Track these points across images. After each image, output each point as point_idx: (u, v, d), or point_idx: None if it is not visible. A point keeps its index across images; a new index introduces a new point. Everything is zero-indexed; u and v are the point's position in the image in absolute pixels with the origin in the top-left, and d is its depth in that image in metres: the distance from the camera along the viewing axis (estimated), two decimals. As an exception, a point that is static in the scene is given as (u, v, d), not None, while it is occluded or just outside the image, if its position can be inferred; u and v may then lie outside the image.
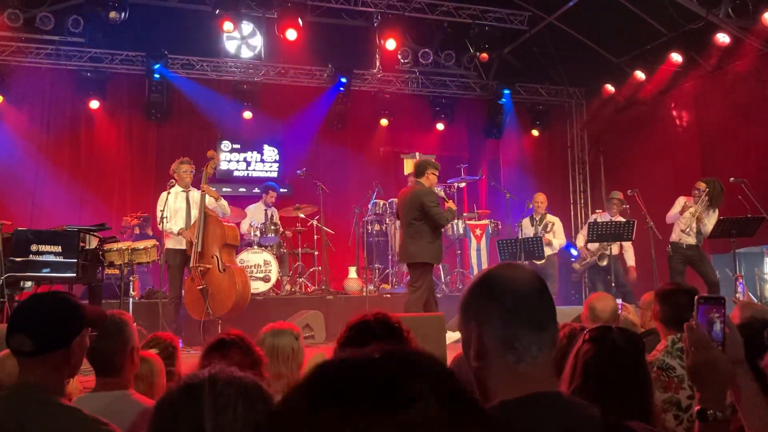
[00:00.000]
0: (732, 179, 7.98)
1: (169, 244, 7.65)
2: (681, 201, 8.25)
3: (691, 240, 8.06)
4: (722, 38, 9.33)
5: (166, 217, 7.52)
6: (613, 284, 8.43)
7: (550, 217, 9.40)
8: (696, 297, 1.58)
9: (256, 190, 10.58)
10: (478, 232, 10.27)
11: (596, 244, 8.88)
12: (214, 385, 1.05)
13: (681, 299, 2.96)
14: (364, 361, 0.73)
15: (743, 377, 1.53)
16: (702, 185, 8.10)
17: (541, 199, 9.42)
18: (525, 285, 1.38)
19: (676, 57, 10.17)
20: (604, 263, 8.76)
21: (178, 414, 1.04)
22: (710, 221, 8.01)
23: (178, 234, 7.54)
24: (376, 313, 2.29)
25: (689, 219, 8.04)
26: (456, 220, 10.25)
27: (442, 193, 7.76)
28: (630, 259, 9.13)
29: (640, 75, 10.94)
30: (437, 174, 7.25)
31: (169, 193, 7.65)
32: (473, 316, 1.40)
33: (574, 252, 11.05)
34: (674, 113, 11.18)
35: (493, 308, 1.37)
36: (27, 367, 1.99)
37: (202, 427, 1.02)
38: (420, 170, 7.18)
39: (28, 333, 1.97)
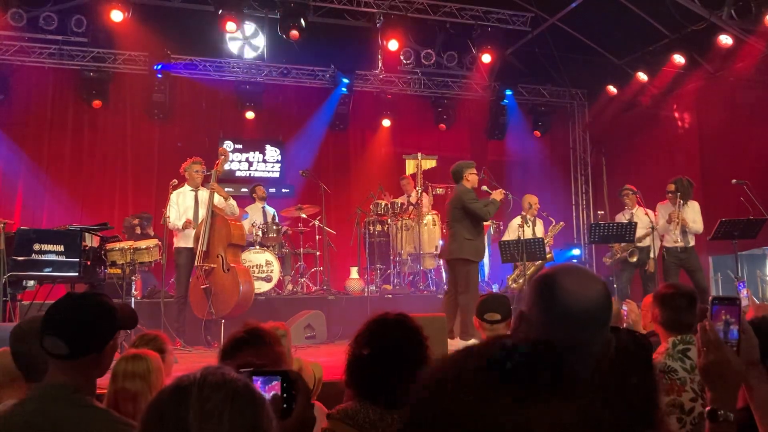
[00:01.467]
0: (734, 181, 7.99)
1: (177, 242, 7.67)
2: (661, 210, 8.29)
3: (681, 243, 8.07)
4: (725, 40, 9.32)
5: (168, 216, 7.54)
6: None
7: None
8: (711, 297, 1.58)
9: (244, 189, 10.66)
10: (479, 232, 10.23)
11: None
12: (202, 389, 1.04)
13: (680, 302, 2.96)
14: (536, 347, 0.77)
15: (758, 378, 1.53)
16: (672, 187, 8.15)
17: (534, 200, 9.33)
18: (581, 303, 1.34)
19: (679, 58, 10.17)
20: (634, 260, 8.65)
21: (164, 418, 1.04)
22: (694, 218, 8.04)
23: (183, 228, 7.53)
24: (398, 314, 2.28)
25: (674, 226, 8.05)
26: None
27: (484, 188, 7.60)
28: (651, 252, 8.75)
29: (642, 76, 10.94)
30: (475, 172, 7.30)
31: (179, 192, 7.69)
32: (525, 305, 1.41)
33: (576, 252, 11.06)
34: (676, 115, 11.19)
35: (540, 312, 1.37)
36: (59, 369, 1.98)
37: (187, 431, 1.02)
38: (457, 176, 7.27)
39: (63, 337, 1.96)
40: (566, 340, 1.32)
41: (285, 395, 1.37)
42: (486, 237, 10.25)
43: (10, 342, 2.33)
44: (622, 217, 9.09)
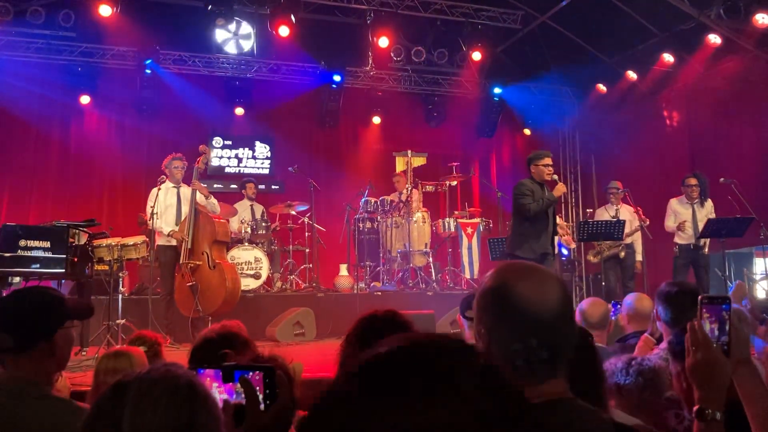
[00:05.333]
0: (722, 180, 8.03)
1: (160, 240, 7.61)
2: (674, 206, 8.32)
3: (694, 241, 8.13)
4: (714, 39, 9.37)
5: (156, 214, 7.49)
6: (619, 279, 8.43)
7: None
8: (699, 297, 1.57)
9: (234, 186, 10.63)
10: (469, 230, 10.27)
11: None
12: (140, 384, 1.05)
13: (684, 300, 2.95)
14: (418, 350, 0.75)
15: (749, 375, 1.53)
16: (693, 180, 8.17)
17: None
18: (543, 308, 1.29)
19: (668, 57, 10.23)
20: (623, 255, 8.67)
21: (101, 412, 1.05)
22: (708, 217, 8.10)
23: (169, 235, 7.52)
24: (386, 311, 2.28)
25: (690, 224, 8.10)
26: (447, 218, 10.25)
27: (554, 176, 6.71)
28: (638, 254, 8.83)
29: (632, 75, 10.98)
30: (541, 163, 6.65)
31: (159, 189, 7.61)
32: (484, 323, 1.33)
33: (564, 251, 11.07)
34: (665, 113, 11.23)
35: (503, 326, 1.31)
36: (12, 364, 1.99)
37: (120, 426, 1.02)
38: (529, 169, 6.81)
39: (8, 330, 1.98)
40: (542, 349, 1.29)
41: (268, 391, 1.38)
42: (476, 235, 10.30)
43: None
44: (604, 212, 9.12)
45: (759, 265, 8.90)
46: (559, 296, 1.32)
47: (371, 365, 0.74)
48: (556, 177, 6.74)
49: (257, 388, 1.36)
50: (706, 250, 8.18)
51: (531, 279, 1.33)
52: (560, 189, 6.67)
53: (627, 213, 8.85)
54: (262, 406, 1.35)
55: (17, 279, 6.29)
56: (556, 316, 1.30)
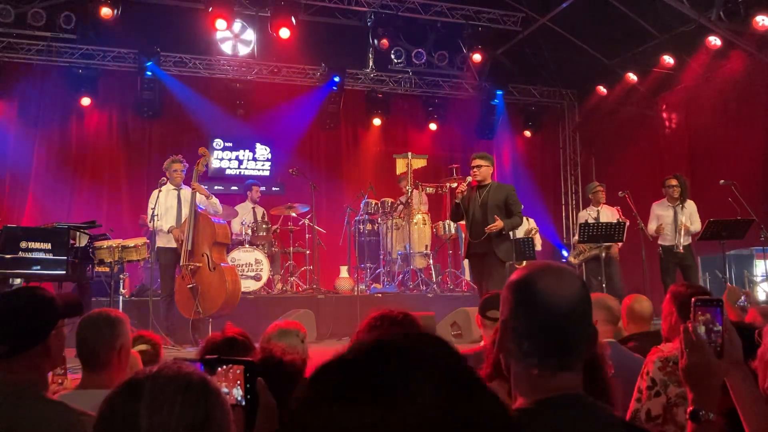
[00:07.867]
0: (722, 181, 8.02)
1: (160, 242, 7.62)
2: (656, 210, 8.31)
3: (679, 243, 8.11)
4: (714, 41, 9.38)
5: (157, 215, 7.50)
6: (602, 280, 8.38)
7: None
8: (693, 299, 1.58)
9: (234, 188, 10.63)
10: (469, 232, 10.26)
11: None
12: (154, 382, 1.06)
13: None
14: (365, 355, 0.77)
15: (742, 378, 1.54)
16: (674, 181, 8.15)
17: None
18: (561, 302, 1.33)
19: (668, 59, 10.23)
20: (604, 254, 8.68)
21: (115, 411, 1.05)
22: (691, 219, 8.06)
23: (168, 232, 7.52)
24: (400, 311, 2.28)
25: (671, 227, 8.07)
26: (448, 220, 10.26)
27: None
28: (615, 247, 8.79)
29: (632, 77, 10.99)
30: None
31: (160, 191, 7.62)
32: (504, 312, 1.39)
33: (566, 253, 11.07)
34: (665, 115, 11.24)
35: (520, 316, 1.35)
36: (7, 366, 1.98)
37: (137, 424, 1.03)
38: None
39: (3, 334, 1.97)
40: (552, 341, 1.32)
41: (248, 385, 1.39)
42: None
43: (77, 329, 2.38)
44: (586, 214, 9.10)
45: (759, 266, 8.89)
46: (576, 290, 1.36)
47: (327, 369, 0.76)
48: (469, 178, 6.99)
49: (238, 382, 1.37)
50: (681, 249, 8.10)
51: (551, 274, 1.37)
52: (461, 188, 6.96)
53: (608, 214, 8.84)
54: (243, 401, 1.36)
55: (18, 280, 6.31)
56: (571, 310, 1.33)
